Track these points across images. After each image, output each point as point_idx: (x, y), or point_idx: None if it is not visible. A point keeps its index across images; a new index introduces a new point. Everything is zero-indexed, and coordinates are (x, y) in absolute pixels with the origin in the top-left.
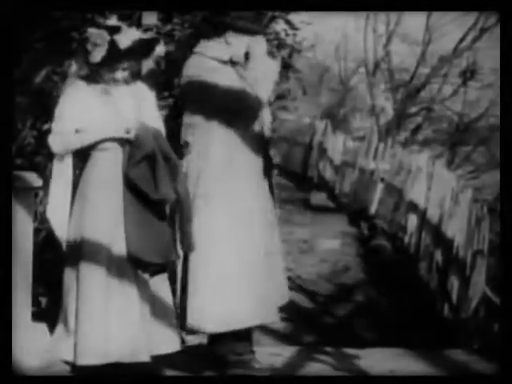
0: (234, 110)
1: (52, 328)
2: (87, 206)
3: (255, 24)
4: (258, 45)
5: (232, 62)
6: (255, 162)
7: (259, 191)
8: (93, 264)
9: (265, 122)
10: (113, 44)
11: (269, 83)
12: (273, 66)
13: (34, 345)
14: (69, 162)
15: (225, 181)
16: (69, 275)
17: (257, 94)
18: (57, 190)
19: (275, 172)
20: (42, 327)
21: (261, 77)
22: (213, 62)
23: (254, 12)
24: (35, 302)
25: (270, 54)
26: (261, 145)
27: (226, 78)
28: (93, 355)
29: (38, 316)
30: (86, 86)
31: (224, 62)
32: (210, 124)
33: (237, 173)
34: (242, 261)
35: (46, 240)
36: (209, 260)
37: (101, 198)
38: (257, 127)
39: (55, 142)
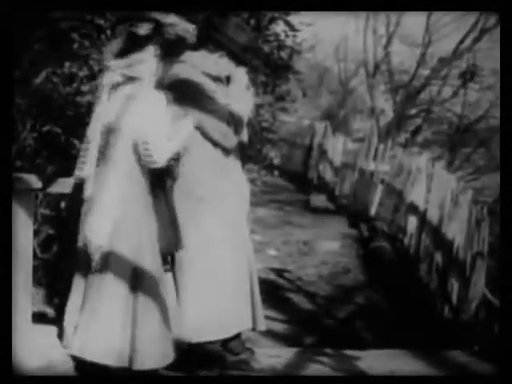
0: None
1: (61, 330)
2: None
3: (248, 53)
4: (241, 75)
5: (217, 80)
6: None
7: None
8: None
9: (244, 140)
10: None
11: (246, 112)
12: (249, 99)
13: (34, 345)
14: None
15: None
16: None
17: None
18: None
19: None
20: (42, 328)
21: (239, 105)
22: (203, 75)
23: (251, 36)
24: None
25: (247, 87)
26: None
27: (216, 94)
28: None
29: (38, 318)
30: (156, 93)
31: (213, 79)
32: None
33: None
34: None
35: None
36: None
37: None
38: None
39: (165, 157)
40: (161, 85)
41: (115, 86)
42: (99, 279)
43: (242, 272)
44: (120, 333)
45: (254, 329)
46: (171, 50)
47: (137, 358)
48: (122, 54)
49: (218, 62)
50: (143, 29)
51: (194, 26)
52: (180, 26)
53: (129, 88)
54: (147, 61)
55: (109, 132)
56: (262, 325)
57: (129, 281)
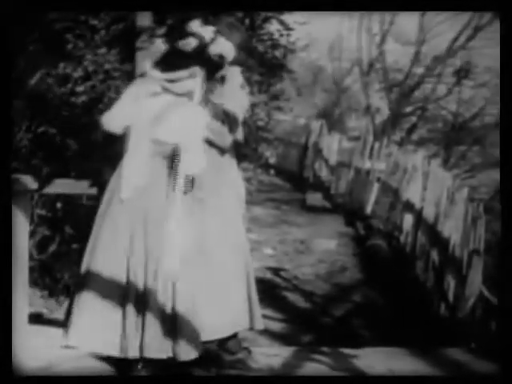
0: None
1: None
2: None
3: (242, 53)
4: (235, 75)
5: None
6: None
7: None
8: None
9: (239, 139)
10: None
11: (241, 111)
12: (244, 98)
13: (33, 345)
14: None
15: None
16: None
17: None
18: None
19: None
20: (42, 328)
21: (233, 104)
22: None
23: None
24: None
25: (242, 86)
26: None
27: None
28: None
29: (34, 318)
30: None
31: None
32: None
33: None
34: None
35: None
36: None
37: None
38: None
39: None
40: None
41: (152, 95)
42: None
43: (240, 272)
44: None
45: (251, 328)
46: (214, 71)
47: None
48: (164, 66)
49: None
50: (188, 46)
51: (231, 44)
52: (220, 43)
53: (170, 99)
54: (194, 79)
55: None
56: (260, 324)
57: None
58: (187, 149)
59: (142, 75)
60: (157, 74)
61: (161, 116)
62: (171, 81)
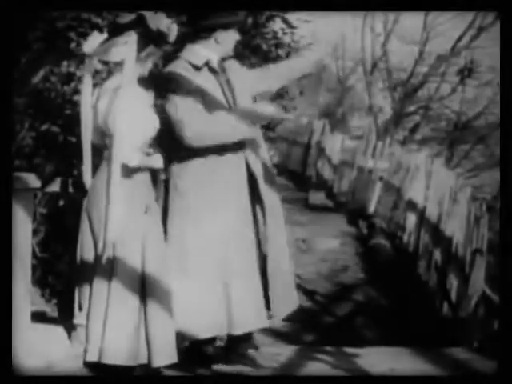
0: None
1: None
2: None
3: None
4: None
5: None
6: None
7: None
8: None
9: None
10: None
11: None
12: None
13: (34, 345)
14: None
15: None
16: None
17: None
18: None
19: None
20: (42, 327)
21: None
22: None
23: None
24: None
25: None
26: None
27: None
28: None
29: (37, 317)
30: (136, 89)
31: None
32: None
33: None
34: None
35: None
36: None
37: None
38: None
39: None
40: (143, 80)
41: (98, 79)
42: (107, 285)
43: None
44: (134, 334)
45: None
46: (151, 39)
47: (154, 356)
48: (103, 43)
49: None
50: (125, 18)
51: (176, 25)
52: (163, 22)
53: (112, 84)
54: (128, 43)
55: (103, 134)
56: (239, 329)
57: (138, 288)
58: (119, 139)
59: (82, 61)
60: (95, 49)
61: (109, 114)
62: (107, 50)
